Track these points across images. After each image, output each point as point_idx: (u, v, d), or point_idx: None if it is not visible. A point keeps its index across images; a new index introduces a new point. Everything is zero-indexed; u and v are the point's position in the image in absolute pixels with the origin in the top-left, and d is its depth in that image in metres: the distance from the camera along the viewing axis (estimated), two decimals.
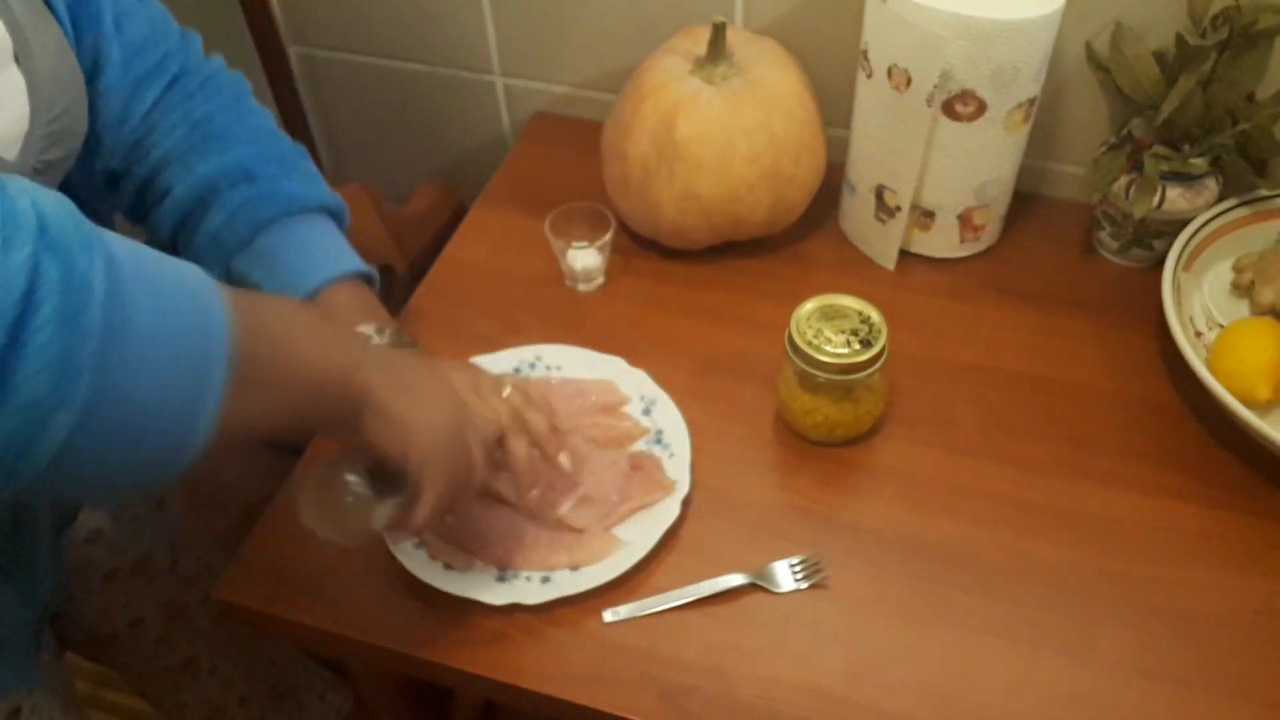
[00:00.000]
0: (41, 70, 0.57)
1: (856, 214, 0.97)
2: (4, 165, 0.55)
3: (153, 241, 0.74)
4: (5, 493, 0.38)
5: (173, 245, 0.74)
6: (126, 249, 0.41)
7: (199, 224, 0.72)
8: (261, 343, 0.47)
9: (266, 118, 0.76)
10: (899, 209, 0.91)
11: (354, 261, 0.74)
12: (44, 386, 0.35)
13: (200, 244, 0.72)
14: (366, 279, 0.75)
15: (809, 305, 0.77)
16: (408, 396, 0.56)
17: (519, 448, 0.66)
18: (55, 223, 0.37)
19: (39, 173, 0.58)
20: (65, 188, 0.66)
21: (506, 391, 0.67)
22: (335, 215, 0.77)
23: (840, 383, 0.75)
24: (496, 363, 0.85)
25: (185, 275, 0.44)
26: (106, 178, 0.72)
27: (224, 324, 0.43)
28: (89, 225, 0.39)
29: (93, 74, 0.67)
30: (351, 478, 0.56)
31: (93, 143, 0.69)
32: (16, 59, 0.56)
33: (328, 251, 0.74)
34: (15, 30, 0.56)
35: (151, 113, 0.71)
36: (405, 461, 0.57)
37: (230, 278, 0.72)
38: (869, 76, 0.88)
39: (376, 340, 0.70)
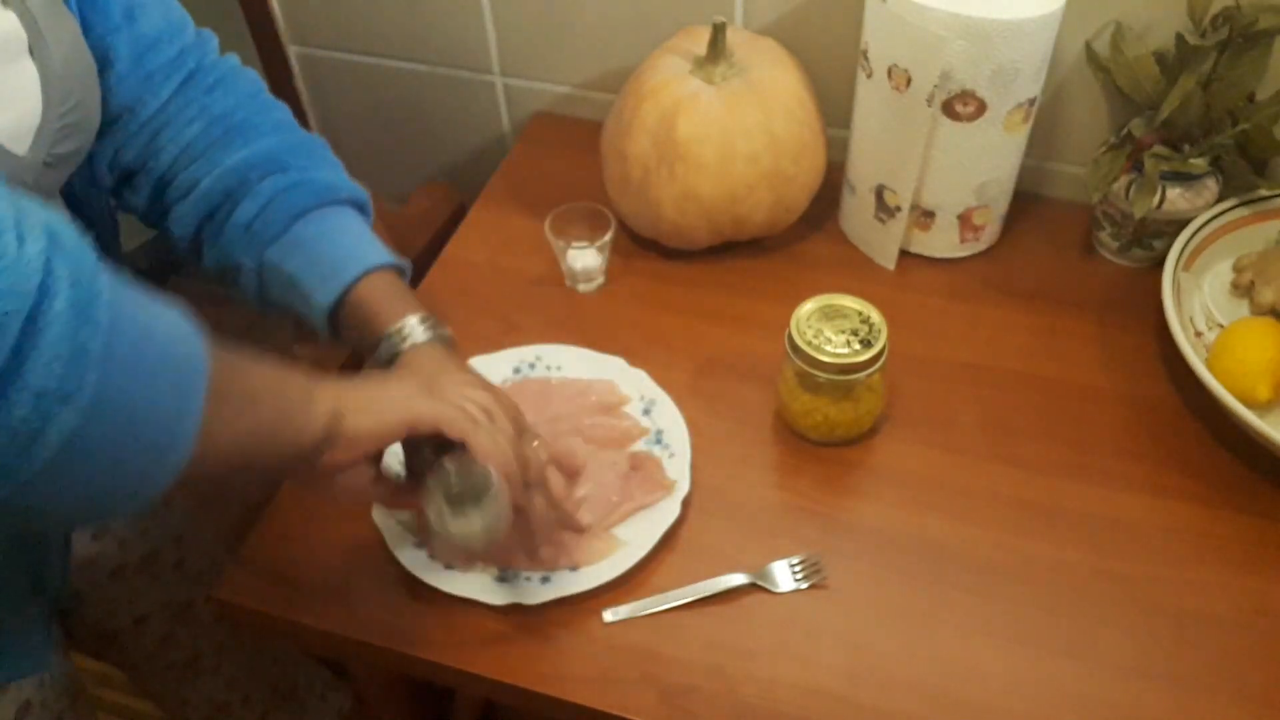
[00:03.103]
0: (56, 63, 0.57)
1: (856, 214, 0.97)
2: (16, 159, 0.55)
3: (174, 239, 0.73)
4: (0, 492, 0.37)
5: (196, 241, 0.73)
6: (108, 269, 0.42)
7: (229, 216, 0.71)
8: (230, 369, 0.48)
9: (285, 110, 0.77)
10: (899, 209, 0.91)
11: (389, 254, 0.74)
12: (54, 379, 0.36)
13: (231, 236, 0.71)
14: (399, 271, 0.75)
15: (809, 305, 0.77)
16: (372, 392, 0.59)
17: (538, 503, 0.65)
18: (61, 229, 0.38)
19: (50, 166, 0.58)
20: (68, 189, 0.66)
21: (535, 443, 0.67)
22: (361, 209, 0.77)
23: (840, 383, 0.75)
24: (496, 363, 0.85)
25: (162, 304, 0.45)
26: (121, 175, 0.72)
27: (200, 345, 0.45)
28: (85, 238, 0.40)
29: (101, 67, 0.67)
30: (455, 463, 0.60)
31: (105, 137, 0.69)
32: (31, 51, 0.56)
33: (364, 242, 0.74)
34: (29, 22, 0.55)
35: (167, 107, 0.71)
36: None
37: (263, 268, 0.72)
38: (869, 76, 0.88)
39: (419, 330, 0.70)
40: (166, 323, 0.44)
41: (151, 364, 0.41)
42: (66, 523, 0.42)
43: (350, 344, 0.73)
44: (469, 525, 0.60)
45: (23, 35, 0.55)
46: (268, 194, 0.71)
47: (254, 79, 0.77)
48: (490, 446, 0.60)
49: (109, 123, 0.69)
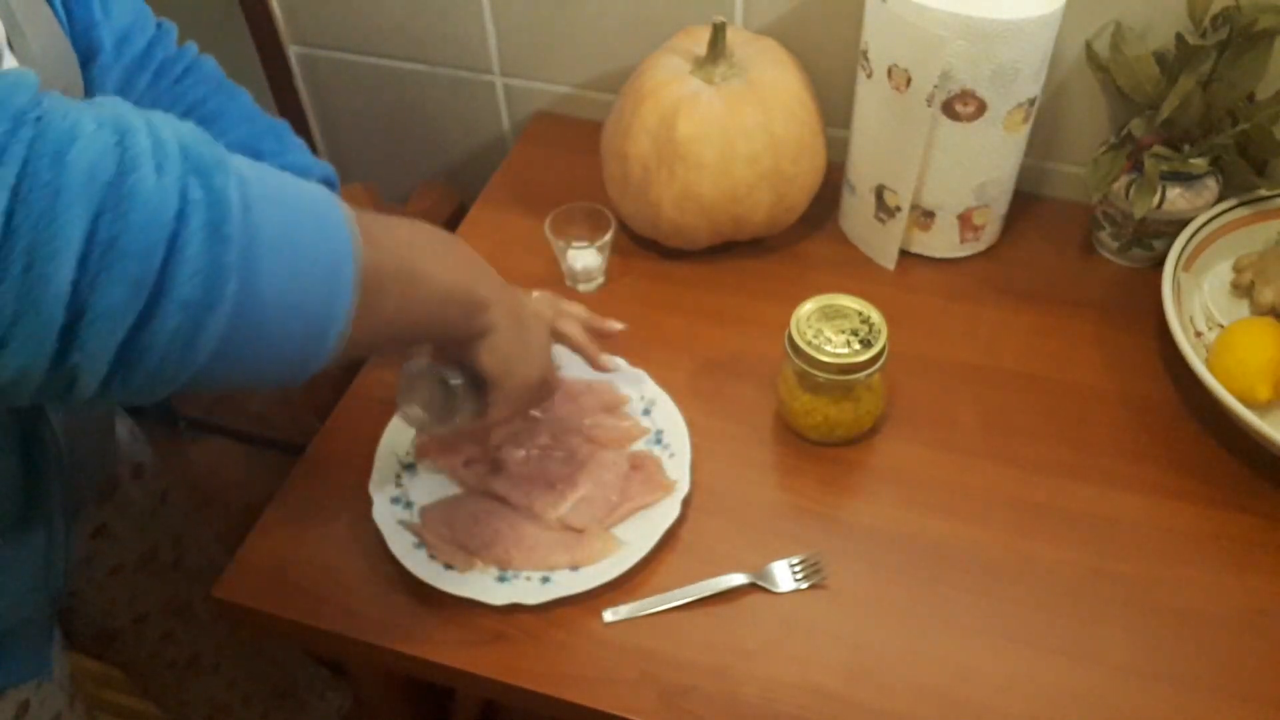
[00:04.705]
0: (35, 53, 0.57)
1: (856, 214, 0.97)
2: None
3: None
4: (176, 384, 0.43)
5: None
6: (251, 169, 0.45)
7: None
8: (385, 258, 0.51)
9: (246, 94, 0.79)
10: (899, 209, 0.91)
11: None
12: (198, 290, 0.40)
13: None
14: None
15: (809, 305, 0.77)
16: (520, 347, 0.63)
17: (572, 327, 0.77)
18: (193, 149, 0.42)
19: None
20: None
21: (535, 294, 0.78)
22: (331, 185, 0.79)
23: (840, 383, 0.75)
24: None
25: (308, 193, 0.48)
26: None
27: (347, 237, 0.48)
28: (220, 148, 0.44)
29: (86, 59, 0.67)
30: (451, 375, 0.63)
31: None
32: (10, 43, 0.56)
33: None
34: (5, 14, 0.55)
35: (143, 99, 0.72)
36: (498, 388, 0.64)
37: None
38: (869, 76, 0.88)
39: None
40: (310, 218, 0.47)
41: (293, 265, 0.45)
42: (243, 387, 0.51)
43: None
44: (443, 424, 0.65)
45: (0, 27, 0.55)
46: None
47: (214, 66, 0.79)
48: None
49: None
